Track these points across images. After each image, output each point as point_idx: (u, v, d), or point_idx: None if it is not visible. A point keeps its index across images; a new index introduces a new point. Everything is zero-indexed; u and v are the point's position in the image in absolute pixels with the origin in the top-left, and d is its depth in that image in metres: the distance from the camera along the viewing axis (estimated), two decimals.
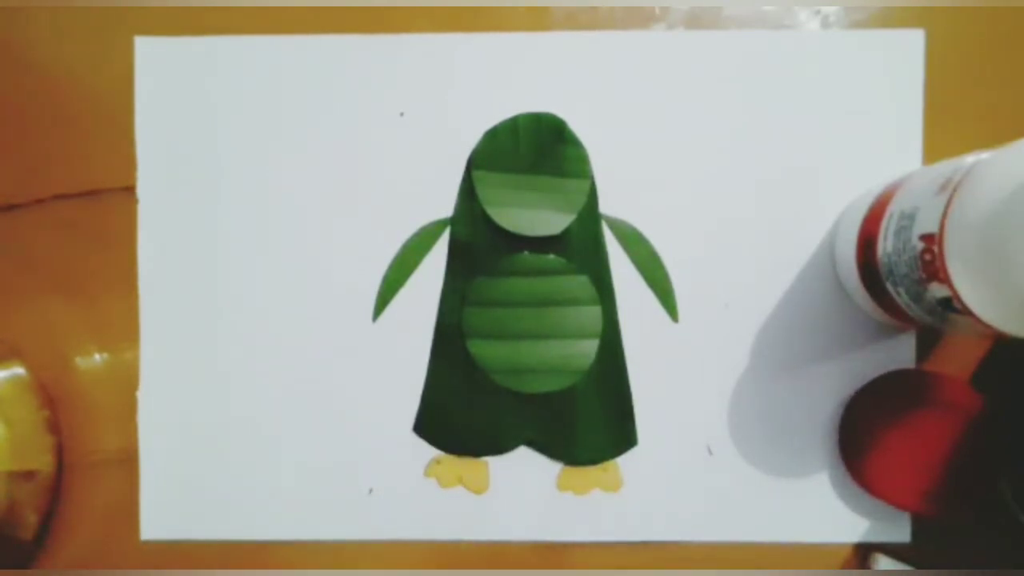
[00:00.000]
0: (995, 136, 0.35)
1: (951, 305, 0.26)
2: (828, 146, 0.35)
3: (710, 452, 0.36)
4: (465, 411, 0.36)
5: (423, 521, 0.36)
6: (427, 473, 0.36)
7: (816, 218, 0.35)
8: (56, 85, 0.36)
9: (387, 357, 0.36)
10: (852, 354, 0.35)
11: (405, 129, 0.36)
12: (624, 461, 0.36)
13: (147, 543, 0.36)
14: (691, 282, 0.35)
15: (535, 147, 0.35)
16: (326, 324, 0.36)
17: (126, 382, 0.36)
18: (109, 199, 0.36)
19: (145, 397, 0.36)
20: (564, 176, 0.35)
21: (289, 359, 0.36)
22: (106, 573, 0.36)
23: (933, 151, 0.35)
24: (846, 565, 0.35)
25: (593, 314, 0.35)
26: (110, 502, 0.36)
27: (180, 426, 0.36)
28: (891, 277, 0.29)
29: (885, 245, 0.29)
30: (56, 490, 0.36)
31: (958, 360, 0.35)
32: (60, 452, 0.36)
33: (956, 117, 0.35)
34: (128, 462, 0.36)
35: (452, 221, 0.36)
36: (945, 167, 0.27)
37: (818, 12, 0.35)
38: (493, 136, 0.35)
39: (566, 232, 0.35)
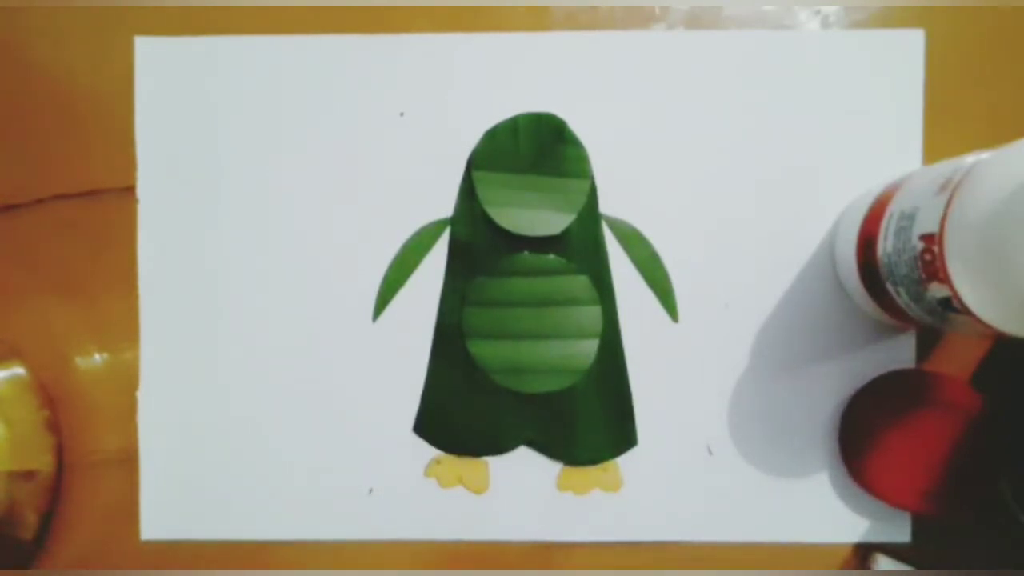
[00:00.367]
0: (995, 136, 0.35)
1: (951, 305, 0.26)
2: (828, 146, 0.35)
3: (710, 452, 0.36)
4: (465, 411, 0.36)
5: (423, 521, 0.36)
6: (427, 473, 0.36)
7: (816, 218, 0.35)
8: (56, 85, 0.36)
9: (387, 357, 0.36)
10: (852, 354, 0.35)
11: (405, 129, 0.36)
12: (624, 461, 0.36)
13: (147, 543, 0.36)
14: (691, 282, 0.35)
15: (535, 147, 0.35)
16: (326, 324, 0.36)
17: (126, 382, 0.36)
18: (109, 199, 0.36)
19: (145, 397, 0.36)
20: (564, 176, 0.35)
21: (289, 359, 0.36)
22: (106, 573, 0.36)
23: (933, 151, 0.35)
24: (846, 565, 0.35)
25: (593, 314, 0.35)
26: (110, 502, 0.36)
27: (180, 426, 0.36)
28: (891, 277, 0.29)
29: (885, 245, 0.29)
30: (56, 490, 0.36)
31: (958, 360, 0.35)
32: (60, 452, 0.36)
33: (956, 117, 0.35)
34: (128, 462, 0.36)
35: (452, 221, 0.36)
36: (945, 167, 0.27)
37: (818, 12, 0.35)
38: (493, 136, 0.35)
39: (566, 232, 0.35)
